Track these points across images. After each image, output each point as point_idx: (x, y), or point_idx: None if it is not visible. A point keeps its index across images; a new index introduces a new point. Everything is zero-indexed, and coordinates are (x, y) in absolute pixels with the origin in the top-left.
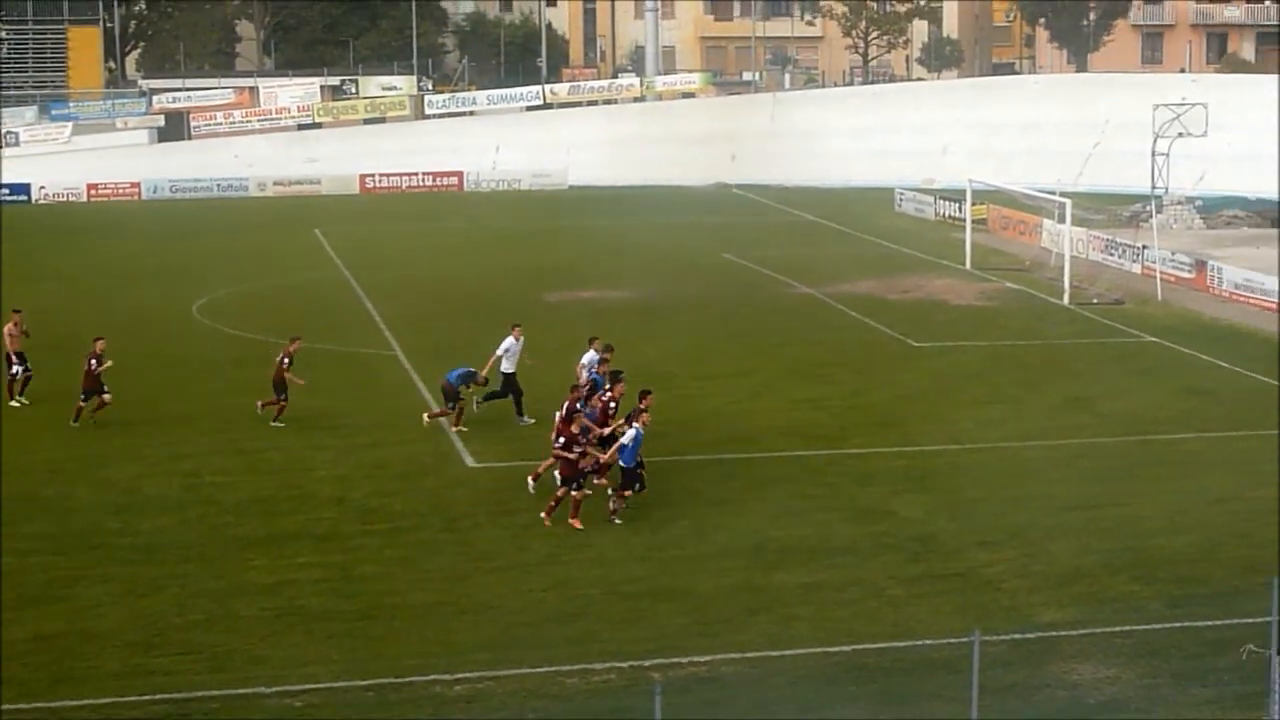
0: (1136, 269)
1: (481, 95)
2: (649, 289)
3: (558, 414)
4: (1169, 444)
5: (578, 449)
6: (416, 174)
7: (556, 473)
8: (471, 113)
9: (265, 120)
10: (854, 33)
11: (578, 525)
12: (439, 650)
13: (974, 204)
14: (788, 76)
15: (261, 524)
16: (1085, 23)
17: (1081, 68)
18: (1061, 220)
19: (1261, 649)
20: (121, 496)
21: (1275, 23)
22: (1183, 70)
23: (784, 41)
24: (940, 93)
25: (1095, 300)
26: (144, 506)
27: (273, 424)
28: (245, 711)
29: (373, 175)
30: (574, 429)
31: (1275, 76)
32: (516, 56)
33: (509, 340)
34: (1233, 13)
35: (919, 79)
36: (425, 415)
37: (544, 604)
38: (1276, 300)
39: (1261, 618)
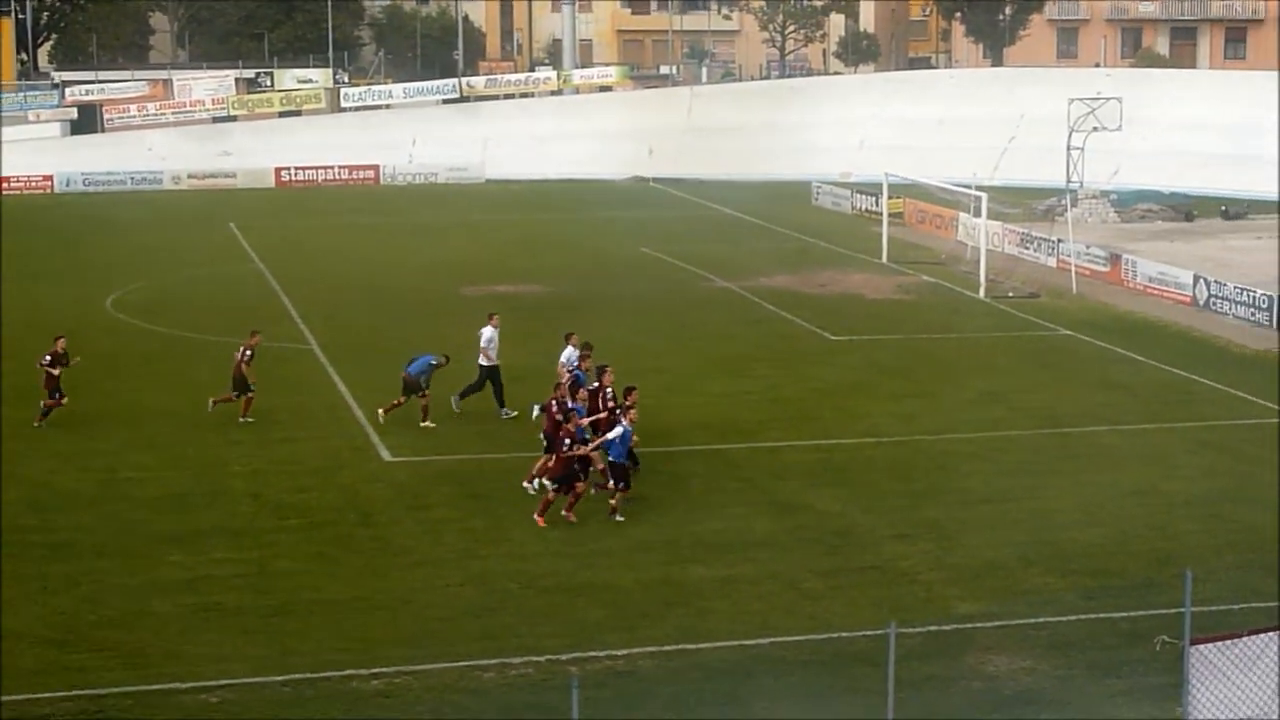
0: (1052, 262)
1: (398, 88)
2: (566, 283)
3: (536, 407)
4: (1083, 437)
5: (578, 446)
6: (332, 167)
7: (545, 479)
8: (388, 106)
9: (179, 113)
10: (771, 27)
11: (572, 519)
12: (355, 645)
13: (890, 198)
14: (705, 70)
15: (177, 520)
16: (1001, 17)
17: (997, 62)
18: (977, 214)
19: (1175, 640)
20: (35, 493)
21: (1189, 17)
22: (1098, 65)
23: (701, 35)
24: (857, 87)
25: (1011, 294)
26: (58, 503)
27: (241, 420)
28: (161, 708)
29: (288, 169)
30: (571, 427)
31: (1189, 71)
32: (433, 50)
33: (488, 330)
34: (1147, 8)
35: (836, 73)
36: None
37: (461, 598)
38: (1190, 294)
39: (1174, 609)
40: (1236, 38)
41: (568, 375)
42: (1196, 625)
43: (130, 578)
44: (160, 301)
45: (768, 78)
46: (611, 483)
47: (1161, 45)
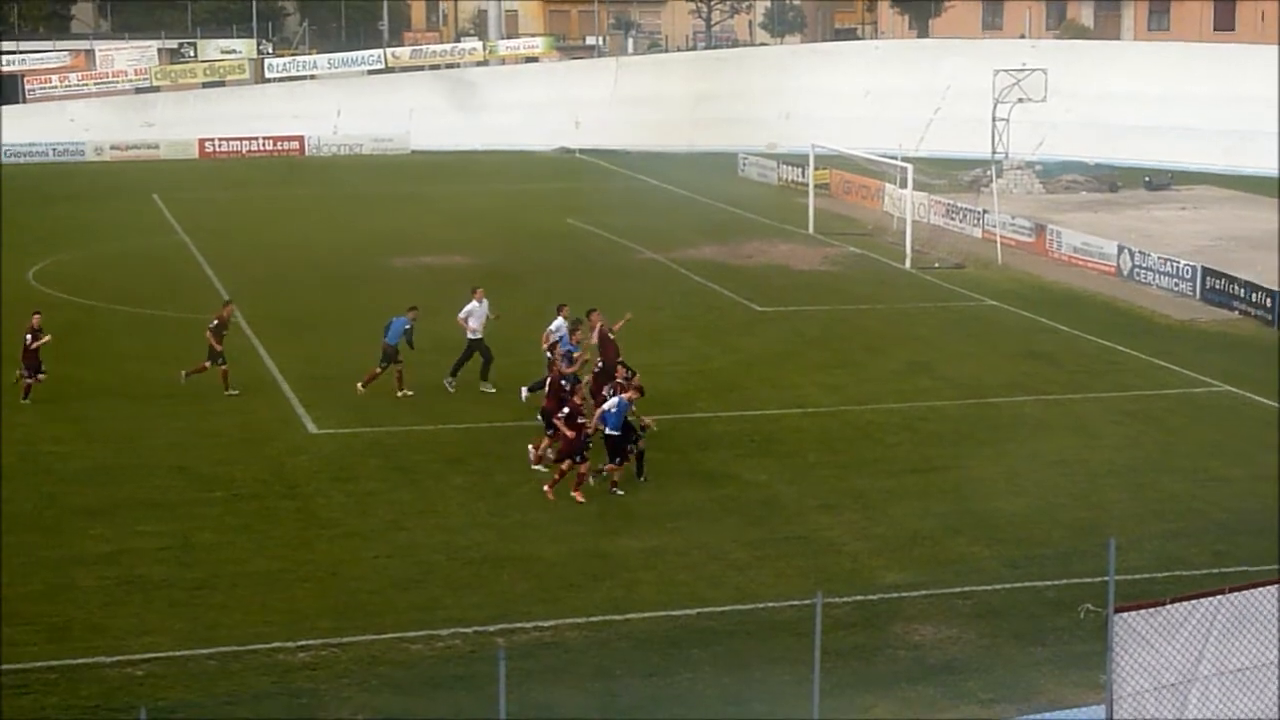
0: (977, 233)
1: (322, 59)
2: (493, 255)
3: (524, 390)
4: (1008, 407)
5: (581, 420)
6: (257, 139)
7: (545, 451)
8: (312, 77)
9: (102, 84)
10: None
11: (580, 499)
12: (282, 618)
13: (817, 169)
14: (631, 41)
15: (100, 493)
16: None
17: (923, 33)
18: (903, 185)
19: (1099, 608)
20: None
21: None
22: (1023, 36)
23: (627, 6)
24: (783, 58)
25: (936, 265)
26: None
27: (227, 393)
28: (86, 682)
29: (212, 140)
30: (578, 399)
31: (1114, 42)
32: (358, 20)
33: (471, 304)
34: None
35: (762, 44)
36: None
37: (387, 570)
38: (1114, 264)
39: (1098, 577)
40: (1160, 9)
41: (560, 351)
42: (1120, 593)
43: (52, 551)
44: (83, 274)
45: (694, 49)
46: (612, 456)
47: (1086, 17)
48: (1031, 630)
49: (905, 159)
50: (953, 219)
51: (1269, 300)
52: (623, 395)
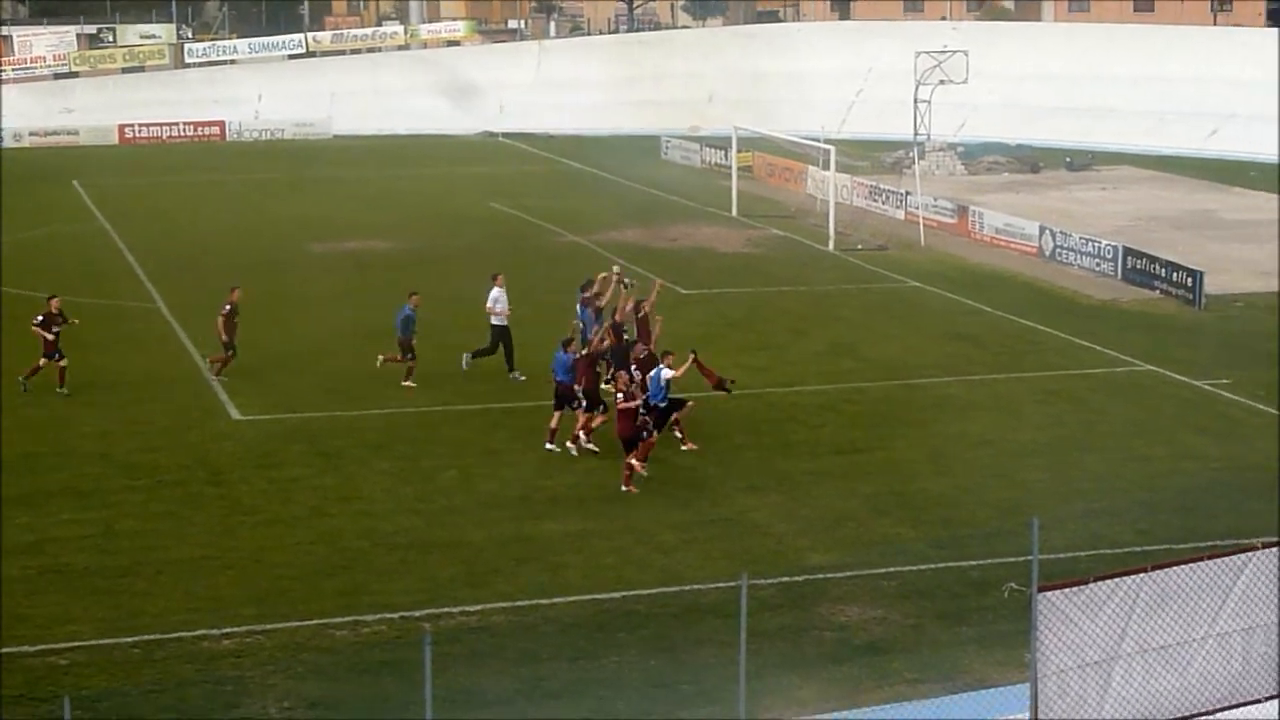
0: (900, 215)
1: (243, 43)
2: (415, 239)
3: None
4: (932, 388)
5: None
6: (177, 124)
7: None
8: (233, 61)
9: (20, 70)
10: None
11: (643, 471)
12: (205, 605)
13: (740, 151)
14: (553, 24)
15: (22, 482)
16: None
17: (845, 16)
18: (826, 167)
19: (1022, 587)
20: None
21: None
22: (944, 18)
23: None
24: (705, 40)
25: (860, 246)
26: None
27: (218, 378)
28: (9, 671)
29: (132, 125)
30: (624, 376)
31: (1035, 24)
32: (278, 4)
33: (495, 290)
34: None
35: (684, 27)
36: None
37: (312, 556)
38: (1036, 244)
39: (1023, 557)
40: None
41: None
42: (1044, 572)
43: None
44: (2, 261)
45: (616, 32)
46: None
47: None
48: (956, 610)
49: (828, 141)
50: (875, 201)
51: (1190, 280)
52: (664, 365)
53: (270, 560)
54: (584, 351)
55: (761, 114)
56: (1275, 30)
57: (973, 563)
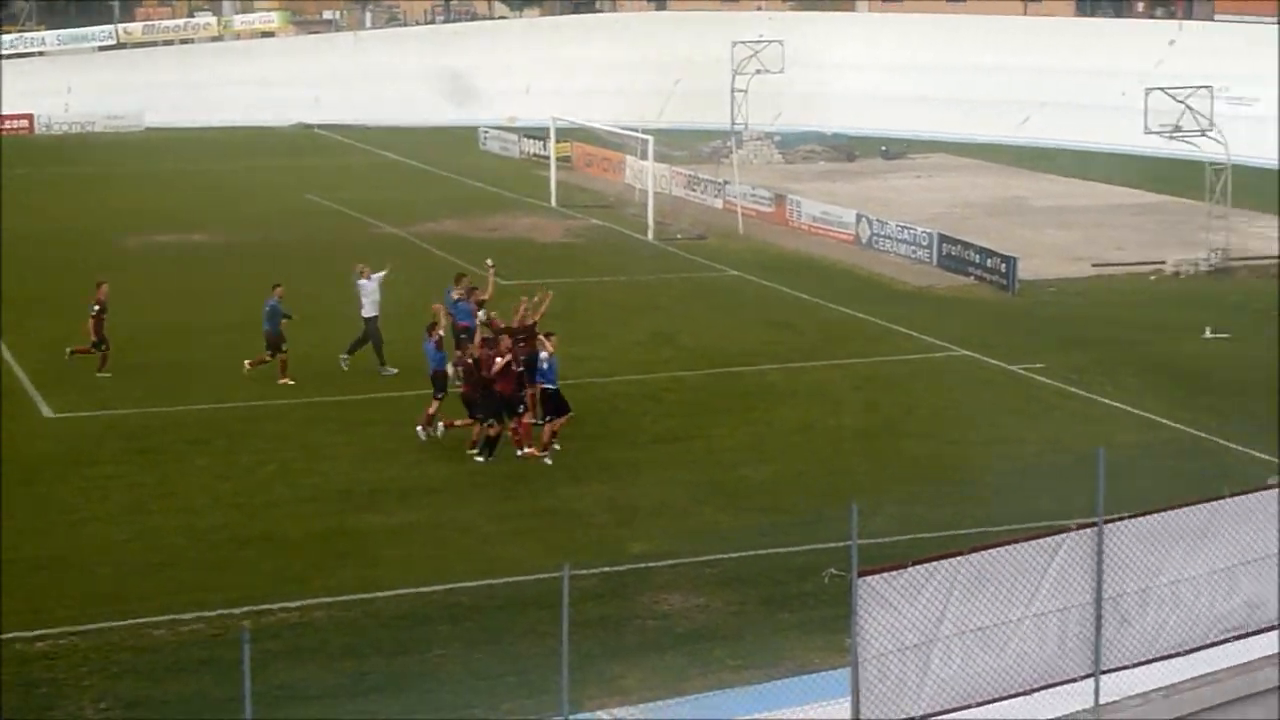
0: (718, 204)
1: (51, 35)
2: (230, 232)
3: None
4: (752, 376)
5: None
6: None
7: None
8: (41, 53)
9: None
10: None
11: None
12: (19, 607)
13: (558, 142)
14: (369, 15)
15: None
16: None
17: (662, 6)
18: (644, 157)
19: (842, 573)
20: None
21: None
22: (760, 7)
23: None
24: (523, 31)
25: (679, 236)
26: None
27: (98, 374)
28: None
29: None
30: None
31: (849, 13)
32: None
33: (363, 282)
34: None
35: (501, 17)
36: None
37: (128, 555)
38: (853, 232)
39: (842, 542)
40: None
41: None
42: (864, 557)
43: None
44: None
45: (433, 22)
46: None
47: None
48: (778, 596)
49: (646, 131)
50: (694, 190)
51: (1003, 265)
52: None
53: (86, 560)
54: (498, 361)
55: (580, 104)
56: (1081, 19)
57: (793, 549)
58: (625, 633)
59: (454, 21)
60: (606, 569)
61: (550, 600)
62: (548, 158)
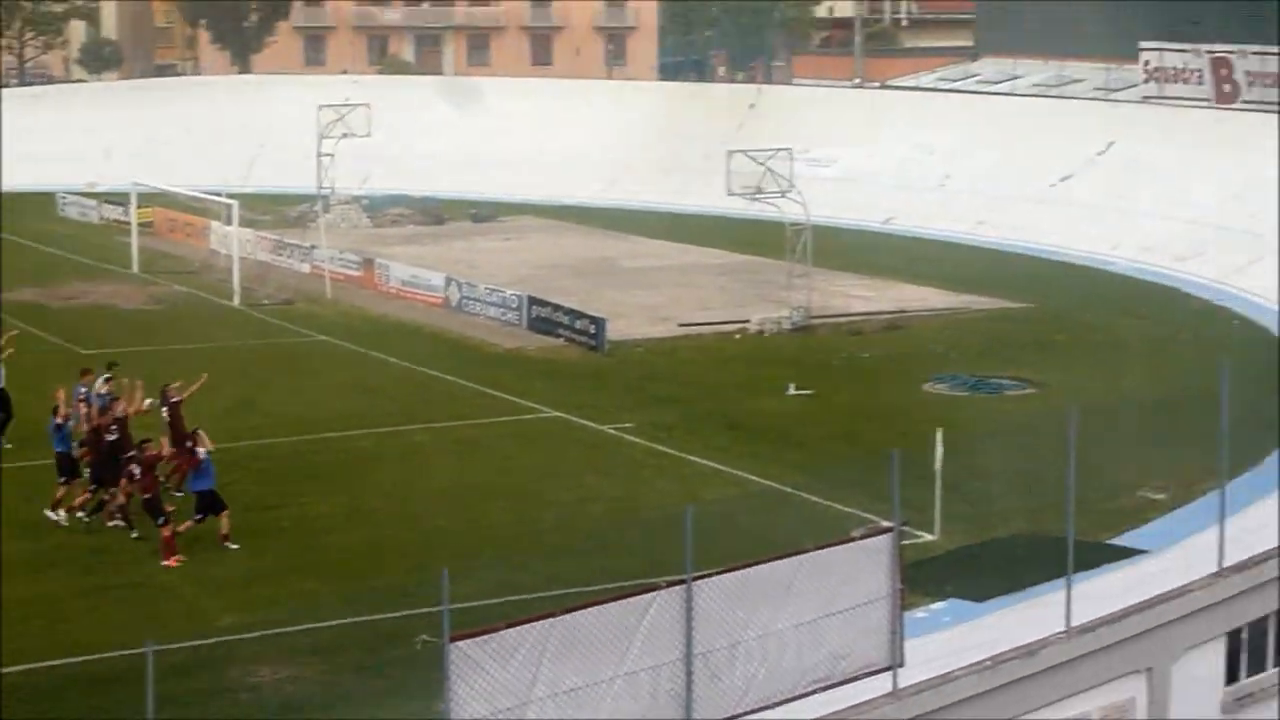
0: (306, 268)
1: None
2: None
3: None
4: (342, 441)
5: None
6: None
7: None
8: None
9: None
10: (8, 33)
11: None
12: None
13: (141, 207)
14: None
15: None
16: (246, 24)
17: (245, 69)
18: (229, 222)
19: (435, 638)
20: None
21: (434, 25)
22: (345, 71)
23: None
24: (101, 94)
25: (266, 301)
26: None
27: None
28: None
29: None
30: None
31: (436, 77)
32: None
33: None
34: (392, 15)
35: (79, 80)
36: None
37: None
38: (443, 295)
39: (434, 608)
40: (480, 44)
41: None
42: (456, 622)
43: None
44: None
45: (7, 85)
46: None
47: (407, 52)
48: (370, 663)
49: (231, 195)
50: (280, 255)
51: (592, 326)
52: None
53: None
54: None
55: (162, 169)
56: (665, 84)
57: (385, 615)
58: (215, 707)
59: (29, 85)
60: (194, 643)
61: (134, 677)
62: (129, 223)
